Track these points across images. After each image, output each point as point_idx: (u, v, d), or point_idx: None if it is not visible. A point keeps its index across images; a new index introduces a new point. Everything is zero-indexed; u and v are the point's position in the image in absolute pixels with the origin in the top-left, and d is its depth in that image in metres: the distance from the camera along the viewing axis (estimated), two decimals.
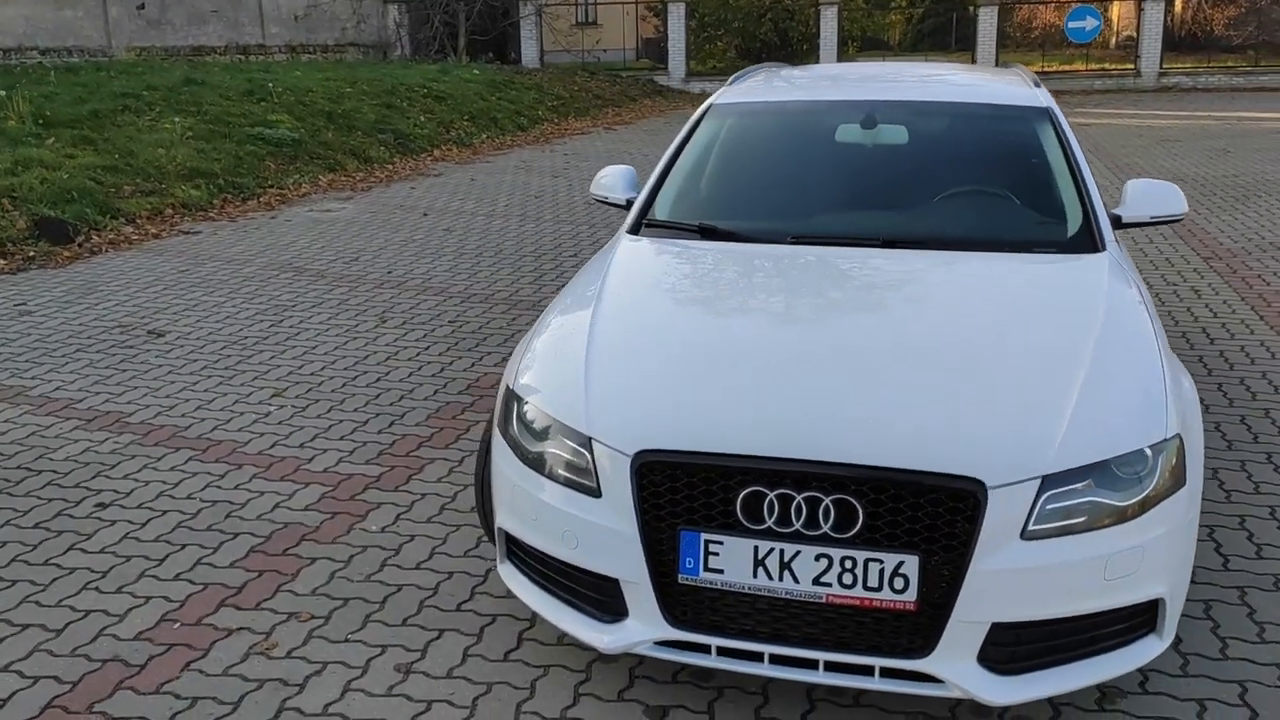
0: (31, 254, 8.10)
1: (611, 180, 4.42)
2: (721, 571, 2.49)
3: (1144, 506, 2.50)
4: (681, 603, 2.57)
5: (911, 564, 2.40)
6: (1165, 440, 2.57)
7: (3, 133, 10.47)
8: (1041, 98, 4.29)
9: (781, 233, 3.74)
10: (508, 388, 3.02)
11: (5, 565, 3.56)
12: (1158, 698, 2.78)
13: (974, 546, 2.39)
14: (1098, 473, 2.47)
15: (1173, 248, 7.98)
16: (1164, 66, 24.56)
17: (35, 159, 9.78)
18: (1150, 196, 3.92)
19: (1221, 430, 4.50)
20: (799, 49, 28.31)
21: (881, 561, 2.41)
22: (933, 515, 2.41)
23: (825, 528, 2.43)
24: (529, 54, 26.49)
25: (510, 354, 5.63)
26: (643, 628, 2.62)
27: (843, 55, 26.35)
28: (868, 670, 2.50)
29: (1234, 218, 9.12)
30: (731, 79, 5.00)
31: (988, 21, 24.99)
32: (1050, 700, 2.73)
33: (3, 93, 11.69)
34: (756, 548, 2.46)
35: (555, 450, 2.75)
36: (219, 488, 4.14)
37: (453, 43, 25.35)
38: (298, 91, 14.71)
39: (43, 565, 3.56)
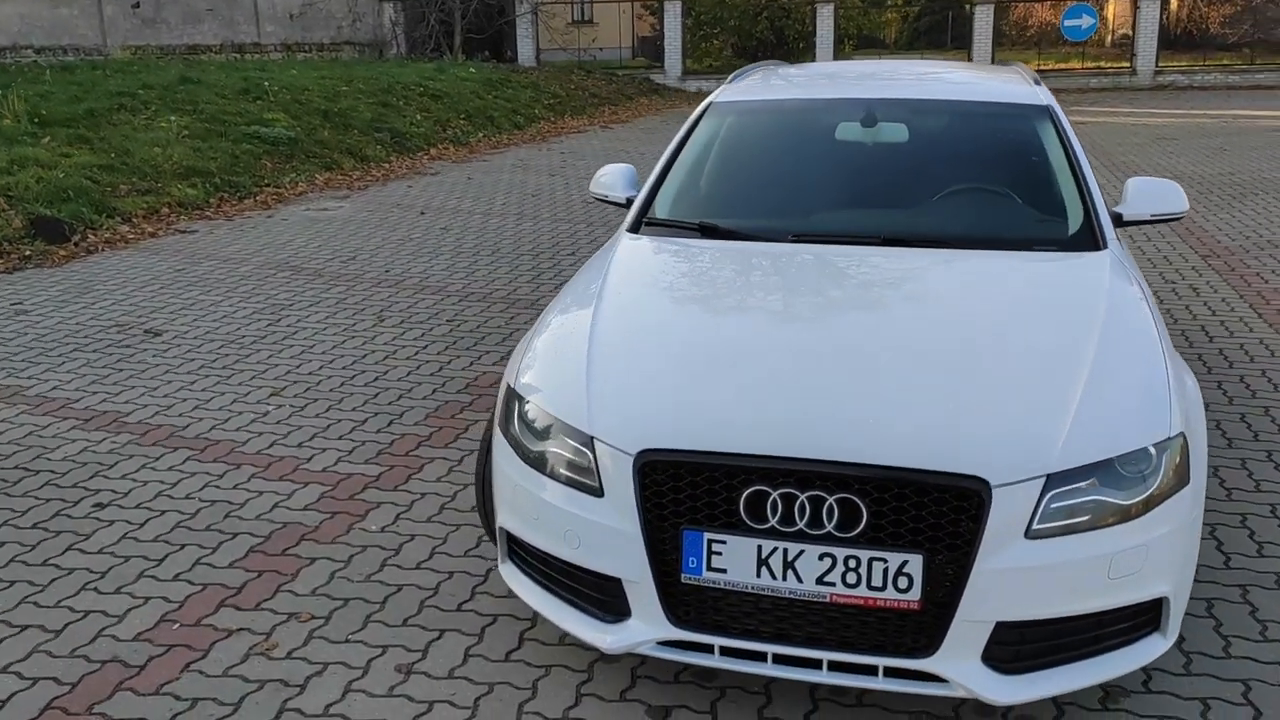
0: (28, 253, 8.07)
1: (611, 179, 4.40)
2: (725, 571, 2.48)
3: (1148, 505, 2.49)
4: (684, 602, 2.56)
5: (915, 563, 2.39)
6: (1169, 438, 2.57)
7: None
8: (1042, 95, 4.28)
9: (782, 231, 3.73)
10: (509, 387, 3.01)
11: (3, 566, 3.54)
12: (1161, 697, 2.77)
13: (978, 545, 2.38)
14: (1102, 471, 2.47)
15: (1170, 246, 7.98)
16: (1160, 65, 24.59)
17: (31, 158, 9.75)
18: (1151, 194, 3.92)
19: (1222, 428, 4.49)
20: (795, 47, 28.32)
21: (885, 561, 2.40)
22: (937, 514, 2.40)
23: (829, 527, 2.43)
24: (525, 52, 26.47)
25: (509, 353, 5.63)
26: (645, 628, 2.61)
27: (839, 54, 26.34)
28: (871, 670, 2.49)
29: (1231, 215, 9.12)
30: (731, 77, 4.98)
31: (984, 20, 24.99)
32: (1054, 699, 2.72)
33: None
34: (760, 547, 2.45)
35: (557, 449, 2.74)
36: (217, 488, 4.13)
37: (448, 41, 25.32)
38: (294, 90, 14.68)
39: (41, 566, 3.54)
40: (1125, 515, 2.47)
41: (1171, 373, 2.77)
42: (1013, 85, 4.44)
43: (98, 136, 10.98)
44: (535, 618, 3.15)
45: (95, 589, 3.39)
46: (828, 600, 2.44)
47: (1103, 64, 27.19)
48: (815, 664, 2.52)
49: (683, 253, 3.77)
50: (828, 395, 2.66)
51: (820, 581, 2.44)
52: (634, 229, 3.93)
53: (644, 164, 11.07)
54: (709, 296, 3.44)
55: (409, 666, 2.97)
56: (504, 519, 2.92)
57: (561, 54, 26.72)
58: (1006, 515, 2.39)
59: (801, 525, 2.44)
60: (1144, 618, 2.57)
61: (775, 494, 2.45)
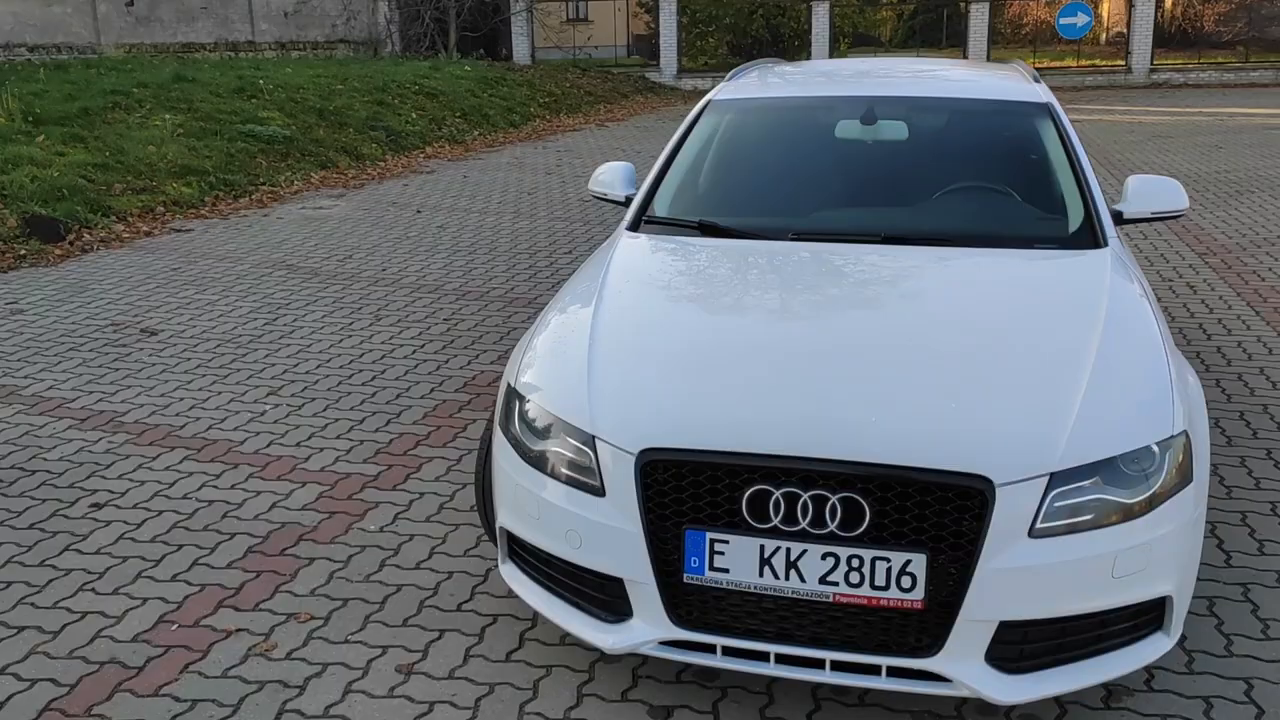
0: (22, 252, 8.04)
1: (610, 177, 4.39)
2: (727, 571, 2.47)
3: (1151, 503, 2.49)
4: (687, 602, 2.55)
5: (919, 562, 2.38)
6: (1172, 437, 2.56)
7: None
8: (1041, 93, 4.27)
9: (782, 229, 3.72)
10: (509, 386, 3.00)
11: (1, 566, 3.52)
12: (1164, 695, 2.77)
13: (982, 545, 2.37)
14: (1105, 470, 2.46)
15: (1167, 244, 7.98)
16: (1154, 63, 24.59)
17: (25, 156, 9.70)
18: (1151, 192, 3.92)
19: (1221, 426, 4.49)
20: (790, 45, 28.31)
21: (888, 560, 2.39)
22: (940, 513, 2.39)
23: (832, 526, 2.42)
24: (520, 50, 26.42)
25: (506, 352, 5.62)
26: (647, 627, 2.60)
27: (834, 52, 26.32)
28: (874, 670, 2.49)
29: (1228, 213, 9.13)
30: (730, 74, 4.97)
31: (979, 18, 24.98)
32: (1057, 699, 2.72)
33: None
34: (762, 546, 2.45)
35: (558, 449, 2.73)
36: (215, 487, 4.11)
37: (443, 39, 25.27)
38: (289, 88, 14.64)
39: (38, 566, 3.52)
40: (1128, 514, 2.46)
41: (1174, 370, 2.77)
42: (1012, 83, 4.43)
43: (92, 135, 10.94)
44: (536, 618, 3.14)
45: (93, 590, 3.37)
46: (831, 600, 2.44)
47: (1098, 62, 27.21)
48: (818, 664, 2.52)
49: (683, 251, 3.76)
50: (830, 394, 2.65)
51: (823, 581, 2.43)
52: (633, 227, 3.92)
53: (640, 162, 11.06)
54: (710, 295, 3.42)
55: (409, 667, 2.96)
56: (504, 519, 2.91)
57: (556, 52, 26.67)
58: (1010, 514, 2.38)
59: (804, 525, 2.43)
60: (1147, 616, 2.56)
61: (778, 493, 2.44)
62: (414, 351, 5.73)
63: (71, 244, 8.39)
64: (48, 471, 4.26)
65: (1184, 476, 2.57)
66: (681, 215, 3.94)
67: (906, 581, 2.39)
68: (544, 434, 2.78)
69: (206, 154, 11.22)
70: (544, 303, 3.53)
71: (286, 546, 3.64)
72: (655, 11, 27.05)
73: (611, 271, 3.46)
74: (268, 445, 4.51)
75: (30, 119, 10.95)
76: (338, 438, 4.58)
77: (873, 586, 2.40)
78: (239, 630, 3.14)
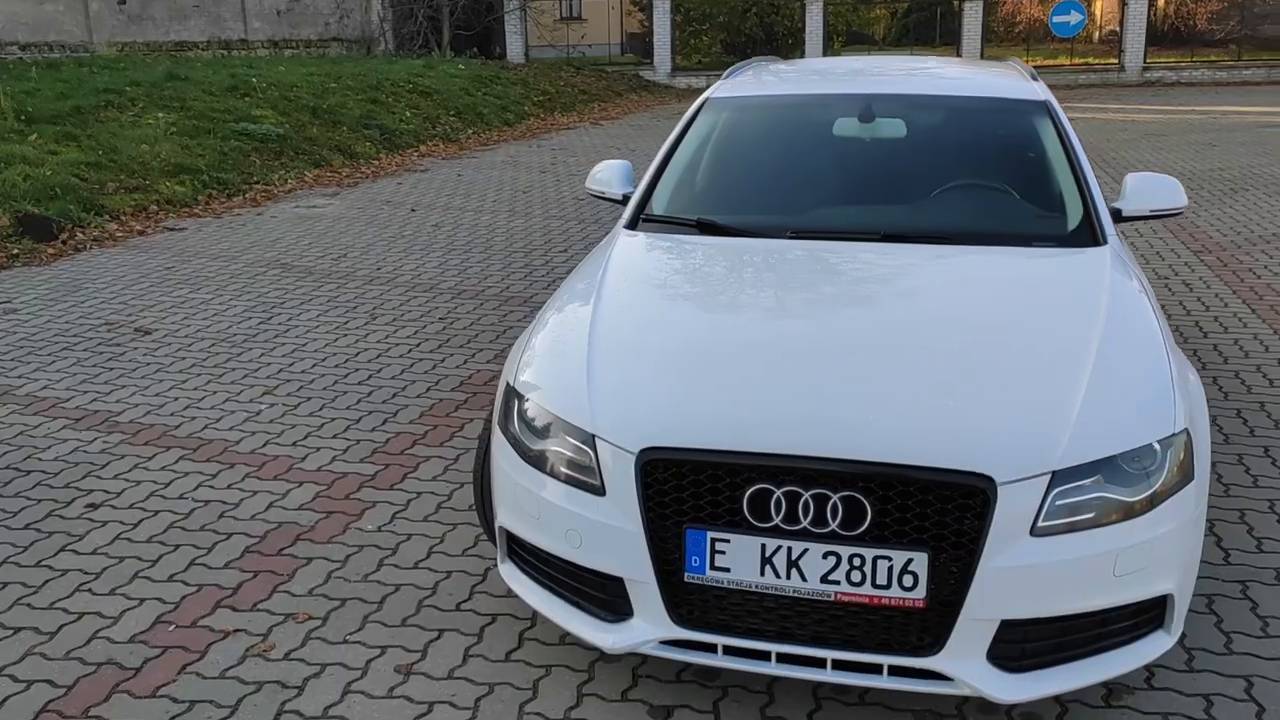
0: (15, 251, 8.00)
1: (607, 175, 4.38)
2: (728, 570, 2.47)
3: (1152, 502, 2.48)
4: (687, 601, 2.54)
5: (920, 561, 2.38)
6: (1173, 435, 2.56)
7: None
8: (1039, 91, 4.27)
9: (781, 227, 3.71)
10: (508, 385, 2.99)
11: None
12: (1164, 693, 2.77)
13: (983, 543, 2.37)
14: (1106, 468, 2.46)
15: (1163, 241, 7.99)
16: (1147, 61, 24.64)
17: (18, 155, 9.67)
18: (1150, 190, 3.92)
19: (1219, 424, 4.49)
20: (784, 43, 28.31)
21: (890, 559, 2.39)
22: (942, 512, 2.39)
23: (833, 525, 2.41)
24: (514, 49, 26.39)
25: (503, 350, 5.61)
26: (648, 627, 2.59)
27: (828, 50, 26.33)
28: (876, 669, 2.48)
29: (1223, 211, 9.14)
30: (727, 72, 4.96)
31: (973, 16, 25.02)
32: (1057, 697, 2.72)
33: None
34: (764, 545, 2.44)
35: (557, 448, 2.72)
36: (211, 487, 4.09)
37: (437, 38, 25.23)
38: (282, 87, 14.60)
39: (34, 567, 3.50)
40: (1130, 512, 2.46)
41: (1174, 368, 2.76)
42: (1010, 81, 4.43)
43: (85, 134, 10.90)
44: (535, 617, 3.13)
45: (89, 590, 3.36)
46: (832, 599, 2.43)
47: (1091, 60, 27.25)
48: (819, 663, 2.51)
49: (681, 249, 3.74)
50: (831, 392, 2.64)
51: (825, 580, 2.42)
52: (631, 225, 3.91)
53: (636, 160, 11.03)
54: (709, 293, 3.42)
55: (408, 667, 2.95)
56: (504, 518, 2.90)
57: (550, 50, 26.66)
58: (1011, 513, 2.38)
59: (805, 524, 2.42)
60: (1148, 615, 2.56)
61: (779, 492, 2.43)
62: (410, 350, 5.72)
63: (64, 243, 8.35)
64: (43, 472, 4.24)
65: (1185, 475, 2.56)
66: (680, 213, 3.93)
67: (908, 580, 2.38)
68: (543, 433, 2.77)
69: (200, 152, 11.19)
70: (540, 301, 3.52)
71: (284, 546, 3.63)
72: (649, 10, 27.04)
73: (610, 270, 3.45)
74: (264, 445, 4.49)
75: (23, 118, 10.90)
76: (334, 437, 4.56)
77: (874, 585, 2.40)
78: (237, 631, 3.13)
